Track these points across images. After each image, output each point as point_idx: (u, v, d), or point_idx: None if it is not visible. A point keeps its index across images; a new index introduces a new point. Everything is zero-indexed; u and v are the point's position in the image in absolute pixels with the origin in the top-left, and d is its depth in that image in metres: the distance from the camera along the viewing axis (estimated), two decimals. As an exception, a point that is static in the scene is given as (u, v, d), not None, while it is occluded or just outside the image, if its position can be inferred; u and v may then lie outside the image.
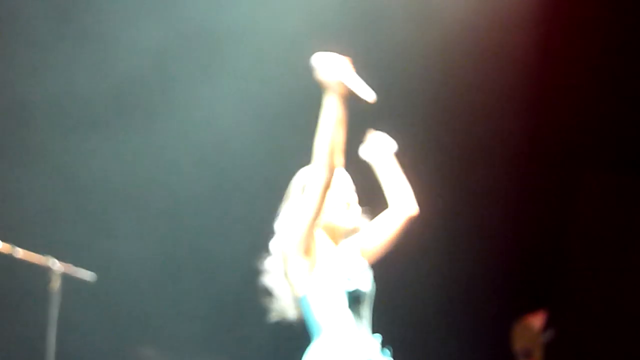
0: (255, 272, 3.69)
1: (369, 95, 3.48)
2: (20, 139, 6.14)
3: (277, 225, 3.64)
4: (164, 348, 6.47)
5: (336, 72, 3.42)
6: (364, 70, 3.95)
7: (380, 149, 3.84)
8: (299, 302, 3.56)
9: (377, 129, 4.14)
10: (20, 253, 4.73)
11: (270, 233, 3.62)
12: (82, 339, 5.55)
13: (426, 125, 6.22)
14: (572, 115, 6.62)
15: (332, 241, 3.61)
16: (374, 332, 3.59)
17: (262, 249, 3.65)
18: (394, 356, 3.62)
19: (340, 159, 3.45)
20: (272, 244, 3.62)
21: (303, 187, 3.63)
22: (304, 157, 3.71)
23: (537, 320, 7.32)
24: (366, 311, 3.50)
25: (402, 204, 3.71)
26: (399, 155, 3.87)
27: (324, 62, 3.43)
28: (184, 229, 6.39)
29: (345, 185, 3.67)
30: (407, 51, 6.09)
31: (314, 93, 3.65)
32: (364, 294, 3.47)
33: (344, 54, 3.46)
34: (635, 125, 6.60)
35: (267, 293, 3.68)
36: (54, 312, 4.73)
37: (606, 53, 6.42)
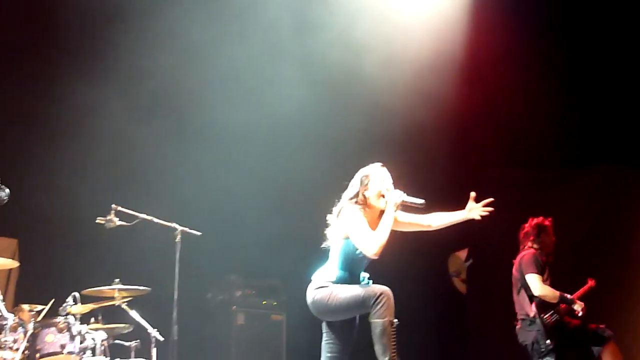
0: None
1: (419, 202, 5.04)
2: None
3: (344, 197, 5.09)
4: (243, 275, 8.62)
5: (397, 196, 4.97)
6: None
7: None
8: (338, 239, 5.03)
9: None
10: (156, 220, 6.44)
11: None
12: (193, 267, 6.88)
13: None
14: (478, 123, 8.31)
15: (371, 214, 5.01)
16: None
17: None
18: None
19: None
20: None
21: (362, 178, 5.06)
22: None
23: (462, 253, 9.19)
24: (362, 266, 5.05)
25: (426, 224, 5.26)
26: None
27: (390, 194, 4.96)
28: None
29: (385, 179, 5.14)
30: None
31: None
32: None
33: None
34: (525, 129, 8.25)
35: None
36: (177, 254, 6.31)
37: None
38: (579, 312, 7.04)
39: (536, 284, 6.99)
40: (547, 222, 7.30)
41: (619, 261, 8.53)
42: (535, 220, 7.32)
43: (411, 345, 5.88)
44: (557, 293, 7.03)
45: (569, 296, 7.07)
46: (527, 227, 7.34)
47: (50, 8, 7.46)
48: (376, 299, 4.87)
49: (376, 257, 4.94)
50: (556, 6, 8.31)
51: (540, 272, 7.07)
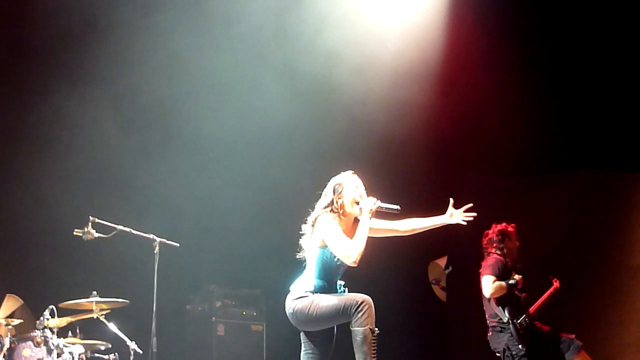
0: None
1: (394, 208, 5.06)
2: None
3: (318, 206, 5.09)
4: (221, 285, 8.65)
5: (372, 203, 4.98)
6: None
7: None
8: (314, 248, 5.03)
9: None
10: (134, 232, 6.41)
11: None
12: (172, 278, 6.83)
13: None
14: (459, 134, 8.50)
15: (346, 222, 5.05)
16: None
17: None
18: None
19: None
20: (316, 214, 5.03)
21: (335, 186, 5.05)
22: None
23: (442, 261, 9.23)
24: (339, 274, 5.07)
25: (403, 229, 5.27)
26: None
27: (365, 201, 4.98)
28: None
29: (358, 186, 5.16)
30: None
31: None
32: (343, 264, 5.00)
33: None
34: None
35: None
36: (155, 265, 6.26)
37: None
38: (517, 284, 7.02)
39: (487, 286, 6.95)
40: (510, 228, 7.30)
41: (597, 266, 8.60)
42: (499, 227, 7.30)
43: (391, 352, 5.85)
44: (503, 283, 6.98)
45: (511, 281, 7.04)
46: (490, 233, 7.31)
47: (34, 19, 7.46)
48: (357, 307, 4.87)
49: (355, 265, 4.92)
50: (533, 14, 8.43)
51: (497, 276, 7.02)
